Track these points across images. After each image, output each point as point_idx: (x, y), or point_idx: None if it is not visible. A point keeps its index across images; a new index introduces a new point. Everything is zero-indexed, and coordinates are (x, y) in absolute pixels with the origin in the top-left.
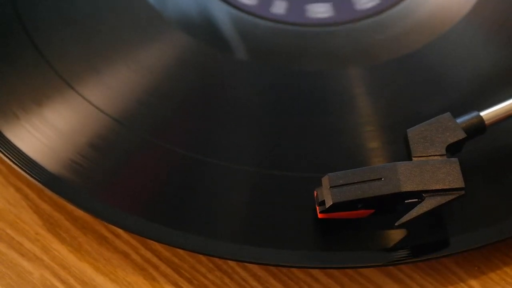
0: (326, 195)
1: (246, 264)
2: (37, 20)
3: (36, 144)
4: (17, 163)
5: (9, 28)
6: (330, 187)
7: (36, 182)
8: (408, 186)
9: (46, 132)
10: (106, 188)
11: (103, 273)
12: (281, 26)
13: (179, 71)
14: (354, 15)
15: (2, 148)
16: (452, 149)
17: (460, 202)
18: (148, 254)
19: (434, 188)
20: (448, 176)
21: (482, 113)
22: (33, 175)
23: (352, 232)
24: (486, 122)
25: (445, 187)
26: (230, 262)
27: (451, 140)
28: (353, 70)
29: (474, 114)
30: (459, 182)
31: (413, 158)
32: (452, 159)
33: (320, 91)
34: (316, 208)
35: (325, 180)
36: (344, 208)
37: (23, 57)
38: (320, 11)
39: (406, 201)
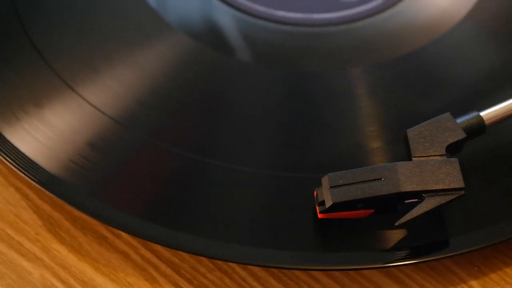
0: (326, 195)
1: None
2: (37, 20)
3: (36, 145)
4: (17, 164)
5: (8, 29)
6: (330, 187)
7: (36, 183)
8: (408, 186)
9: (46, 133)
10: (105, 189)
11: (103, 273)
12: (281, 27)
13: (179, 72)
14: (354, 15)
15: (2, 149)
16: (452, 149)
17: (460, 202)
18: (148, 255)
19: (434, 188)
20: (448, 176)
21: (482, 113)
22: (32, 176)
23: (352, 233)
24: (486, 122)
25: (445, 187)
26: (230, 262)
27: (451, 140)
28: (353, 70)
29: (474, 114)
30: (459, 182)
31: (413, 158)
32: (452, 159)
33: (320, 91)
34: (316, 208)
35: (325, 180)
36: (344, 208)
37: (22, 57)
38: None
39: (406, 201)
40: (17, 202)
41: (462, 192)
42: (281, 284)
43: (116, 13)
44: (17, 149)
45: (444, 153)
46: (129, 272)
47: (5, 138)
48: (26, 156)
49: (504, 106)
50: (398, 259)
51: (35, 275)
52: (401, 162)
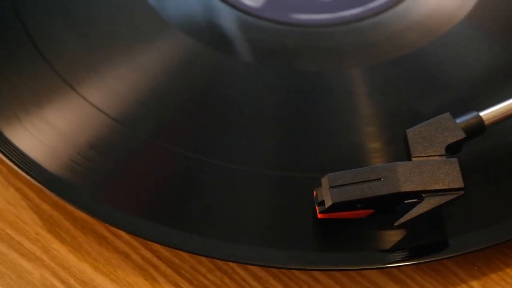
0: (326, 195)
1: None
2: (37, 20)
3: (36, 144)
4: (18, 163)
5: (9, 29)
6: (330, 187)
7: (36, 183)
8: (407, 186)
9: (46, 133)
10: (106, 188)
11: (103, 273)
12: (281, 27)
13: (179, 71)
14: (354, 16)
15: (2, 149)
16: (452, 149)
17: (460, 202)
18: (148, 254)
19: (433, 188)
20: (447, 176)
21: (482, 113)
22: (33, 176)
23: (352, 233)
24: (485, 122)
25: (444, 187)
26: (230, 262)
27: (451, 140)
28: (353, 70)
29: (473, 114)
30: (458, 182)
31: (413, 158)
32: (452, 159)
33: (320, 91)
34: (315, 208)
35: (324, 180)
36: (344, 208)
37: (23, 57)
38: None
39: (405, 201)
40: (17, 202)
41: (462, 192)
42: (281, 284)
43: (116, 12)
44: (18, 148)
45: (444, 153)
46: (129, 272)
47: (6, 137)
48: (27, 156)
49: (504, 106)
50: (398, 260)
51: (35, 275)
52: (401, 162)
